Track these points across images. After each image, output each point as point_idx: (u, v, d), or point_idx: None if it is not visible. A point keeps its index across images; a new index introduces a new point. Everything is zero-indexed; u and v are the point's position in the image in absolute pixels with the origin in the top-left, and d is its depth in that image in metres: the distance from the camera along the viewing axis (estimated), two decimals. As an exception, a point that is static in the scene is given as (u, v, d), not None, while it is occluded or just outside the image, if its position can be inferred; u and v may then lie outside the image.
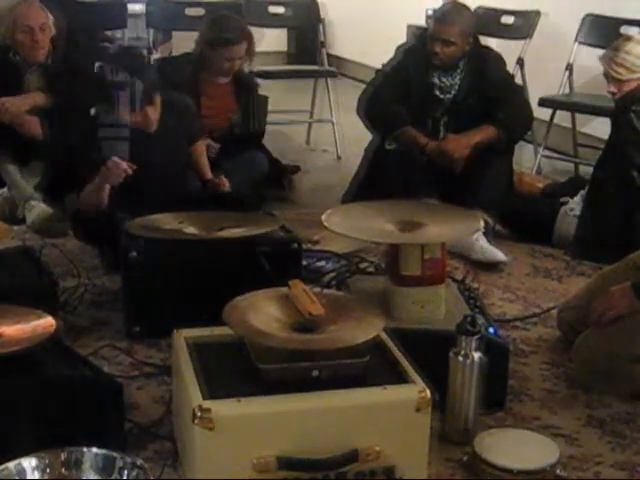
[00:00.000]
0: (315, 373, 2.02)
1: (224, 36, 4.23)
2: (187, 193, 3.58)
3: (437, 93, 4.09)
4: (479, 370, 2.28)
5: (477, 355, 2.27)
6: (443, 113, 4.12)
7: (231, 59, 4.26)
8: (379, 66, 4.31)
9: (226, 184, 3.75)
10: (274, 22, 6.12)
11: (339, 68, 6.96)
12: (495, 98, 4.01)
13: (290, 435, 1.96)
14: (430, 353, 2.26)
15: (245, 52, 4.31)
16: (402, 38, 6.06)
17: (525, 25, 5.39)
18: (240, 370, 2.08)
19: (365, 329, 2.12)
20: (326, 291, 2.54)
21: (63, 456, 1.83)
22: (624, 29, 4.94)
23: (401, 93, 4.08)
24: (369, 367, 2.08)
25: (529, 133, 4.74)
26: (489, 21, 5.43)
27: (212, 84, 4.34)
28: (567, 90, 5.26)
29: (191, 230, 3.04)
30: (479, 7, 5.41)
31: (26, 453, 1.80)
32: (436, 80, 4.07)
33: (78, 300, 3.13)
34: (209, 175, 3.81)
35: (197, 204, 3.26)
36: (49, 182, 4.14)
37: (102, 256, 3.46)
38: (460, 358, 2.27)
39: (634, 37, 3.93)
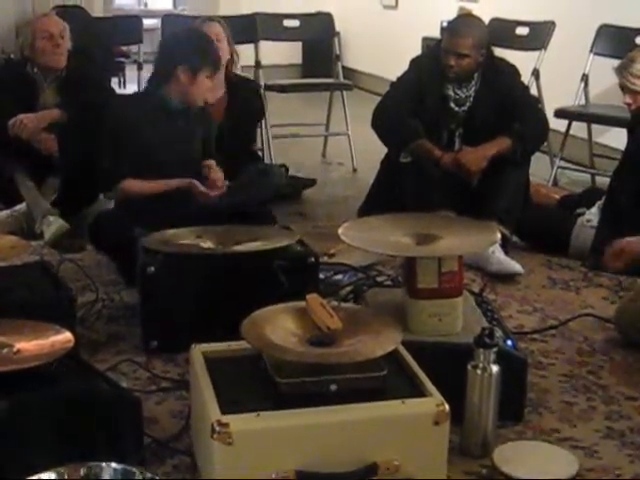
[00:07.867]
0: (333, 387, 2.03)
1: None
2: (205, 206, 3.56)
3: (452, 105, 4.08)
4: (497, 383, 2.28)
5: (495, 368, 2.27)
6: (458, 125, 4.11)
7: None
8: (394, 78, 4.30)
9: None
10: (289, 36, 6.13)
11: (354, 81, 6.96)
12: (510, 110, 3.99)
13: (309, 449, 1.96)
14: (448, 366, 2.27)
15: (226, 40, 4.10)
16: (417, 50, 6.08)
17: (540, 36, 5.38)
18: (258, 384, 2.09)
19: (383, 342, 2.12)
20: (343, 305, 2.55)
21: (82, 471, 1.83)
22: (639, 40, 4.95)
23: (415, 106, 4.07)
24: (387, 381, 2.08)
25: (545, 144, 4.74)
26: (504, 33, 5.43)
27: None
28: (583, 101, 5.25)
29: (208, 244, 3.05)
30: (494, 19, 5.42)
31: (45, 468, 1.80)
32: (451, 92, 4.07)
33: (96, 315, 3.14)
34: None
35: (214, 217, 3.27)
36: (66, 198, 4.16)
37: (121, 270, 3.46)
38: (478, 371, 2.27)
39: (649, 48, 3.94)
